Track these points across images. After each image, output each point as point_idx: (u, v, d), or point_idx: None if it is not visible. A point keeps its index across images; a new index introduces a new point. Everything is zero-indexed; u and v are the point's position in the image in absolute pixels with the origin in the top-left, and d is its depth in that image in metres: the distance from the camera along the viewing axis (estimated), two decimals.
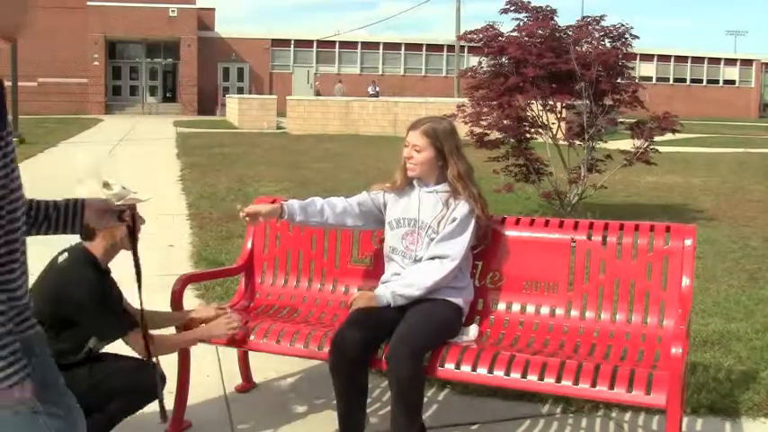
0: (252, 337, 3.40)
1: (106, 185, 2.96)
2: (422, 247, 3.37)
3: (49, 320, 2.86)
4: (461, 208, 3.35)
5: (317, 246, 3.95)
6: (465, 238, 3.33)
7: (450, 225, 3.33)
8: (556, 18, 8.66)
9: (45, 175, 13.64)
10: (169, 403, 3.55)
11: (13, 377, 1.81)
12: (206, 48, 45.23)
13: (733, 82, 57.92)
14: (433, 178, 3.42)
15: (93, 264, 3.10)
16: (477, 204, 3.36)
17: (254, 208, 3.40)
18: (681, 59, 56.38)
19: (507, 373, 2.99)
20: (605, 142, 8.94)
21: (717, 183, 13.50)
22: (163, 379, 3.17)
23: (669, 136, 9.00)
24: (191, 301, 4.79)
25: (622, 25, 8.68)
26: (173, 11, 43.96)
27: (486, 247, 3.58)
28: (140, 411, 3.30)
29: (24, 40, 23.43)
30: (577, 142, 8.73)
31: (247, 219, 3.37)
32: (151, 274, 6.53)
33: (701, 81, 56.89)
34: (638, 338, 3.32)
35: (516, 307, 3.55)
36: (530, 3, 8.72)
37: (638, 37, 8.74)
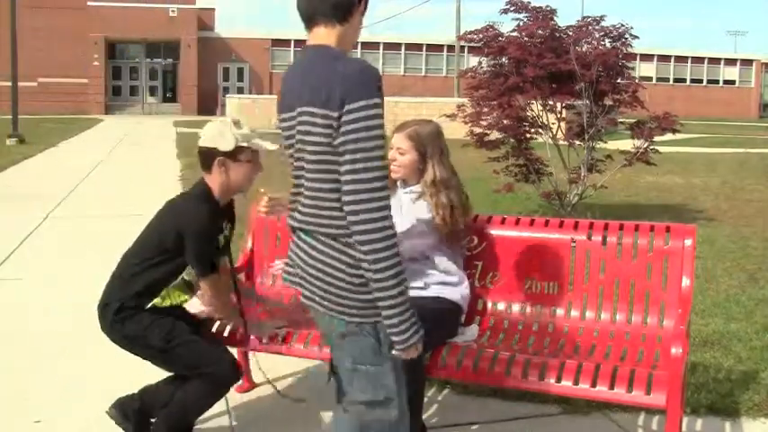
0: (252, 338, 3.41)
1: (236, 124, 3.17)
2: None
3: (153, 252, 3.18)
4: (420, 207, 3.27)
5: None
6: (406, 221, 3.22)
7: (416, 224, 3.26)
8: (556, 18, 8.66)
9: (45, 175, 13.65)
10: None
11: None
12: (206, 48, 45.24)
13: (733, 82, 57.93)
14: (415, 180, 3.38)
15: (204, 197, 3.21)
16: (438, 213, 3.24)
17: (275, 197, 3.28)
18: (681, 59, 56.39)
19: (507, 373, 2.99)
20: (605, 142, 8.94)
21: (717, 183, 13.49)
22: (238, 373, 3.25)
23: (669, 136, 8.99)
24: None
25: (622, 25, 8.67)
26: (173, 11, 43.98)
27: (484, 247, 3.57)
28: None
29: (24, 39, 23.47)
30: (577, 142, 8.73)
31: (264, 210, 3.26)
32: None
33: (701, 81, 56.89)
34: (638, 338, 3.32)
35: (516, 307, 3.55)
36: (530, 3, 8.71)
37: (637, 37, 8.74)
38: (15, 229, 8.21)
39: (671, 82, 55.15)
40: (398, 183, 3.44)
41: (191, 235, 3.12)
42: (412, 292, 3.34)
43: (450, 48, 45.85)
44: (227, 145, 3.14)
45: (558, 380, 2.93)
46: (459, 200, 3.31)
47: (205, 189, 3.23)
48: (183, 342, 3.21)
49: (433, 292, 3.33)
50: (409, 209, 3.30)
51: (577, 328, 3.44)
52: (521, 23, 8.68)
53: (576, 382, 2.91)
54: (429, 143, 3.33)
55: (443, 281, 3.34)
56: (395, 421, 2.29)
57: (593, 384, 2.89)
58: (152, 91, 46.88)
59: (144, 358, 3.32)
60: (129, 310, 3.24)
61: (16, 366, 4.36)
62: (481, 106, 8.79)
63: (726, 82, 57.77)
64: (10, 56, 21.55)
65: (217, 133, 3.17)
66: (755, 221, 9.33)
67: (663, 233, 3.44)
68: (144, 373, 4.22)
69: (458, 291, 3.38)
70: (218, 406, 3.41)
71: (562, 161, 8.88)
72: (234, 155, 3.15)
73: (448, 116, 8.58)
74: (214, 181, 3.21)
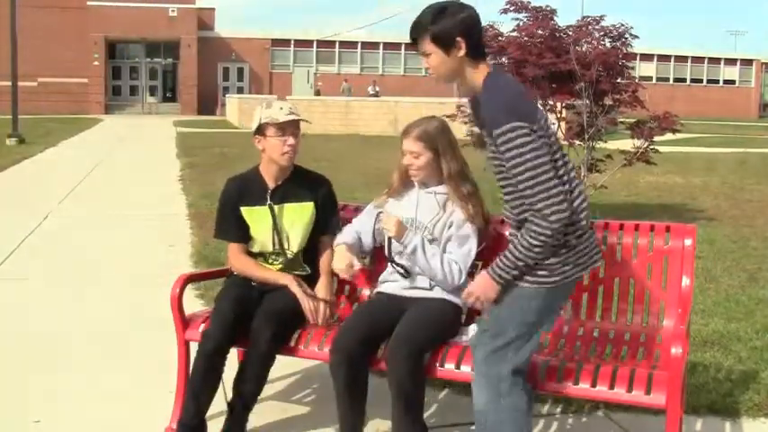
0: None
1: (269, 103, 3.58)
2: None
3: None
4: (457, 216, 3.35)
5: None
6: (471, 248, 3.37)
7: (454, 231, 3.35)
8: (555, 18, 8.66)
9: (45, 175, 13.65)
10: (169, 403, 3.56)
11: None
12: (206, 48, 45.23)
13: (733, 82, 57.93)
14: (434, 179, 3.42)
15: (246, 172, 3.72)
16: (467, 206, 3.34)
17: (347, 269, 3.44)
18: (681, 59, 56.38)
19: None
20: (605, 142, 8.93)
21: (717, 183, 13.49)
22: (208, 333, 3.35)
23: (669, 136, 9.00)
24: (191, 300, 4.79)
25: (622, 25, 8.68)
26: (173, 11, 43.97)
27: (487, 244, 3.57)
28: (147, 410, 3.29)
29: (24, 39, 23.45)
30: (577, 142, 8.73)
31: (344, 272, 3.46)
32: (151, 273, 6.55)
33: (701, 81, 56.88)
34: (638, 338, 3.32)
35: None
36: (530, 3, 8.71)
37: (637, 37, 8.74)
38: (15, 229, 8.21)
39: (671, 82, 55.13)
40: (415, 182, 3.46)
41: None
42: (416, 293, 3.37)
43: None
44: (254, 125, 3.57)
45: (559, 380, 2.93)
46: (475, 189, 3.42)
47: (255, 166, 3.69)
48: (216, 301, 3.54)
49: (437, 293, 3.34)
50: (447, 221, 3.36)
51: (577, 328, 3.43)
52: (520, 23, 8.68)
53: (576, 382, 2.90)
54: (439, 140, 3.38)
55: None
56: None
57: (593, 384, 2.88)
58: (152, 91, 46.87)
59: None
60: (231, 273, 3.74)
61: (16, 366, 4.36)
62: None
63: (726, 82, 57.76)
64: (10, 56, 21.54)
65: (253, 115, 3.60)
66: (755, 221, 9.33)
67: (663, 233, 3.44)
68: (145, 372, 4.23)
69: (461, 293, 3.39)
70: (219, 406, 3.41)
71: None
72: (263, 132, 3.52)
73: (448, 116, 8.57)
74: (260, 157, 3.62)
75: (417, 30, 2.66)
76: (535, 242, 2.55)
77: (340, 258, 3.46)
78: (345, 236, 3.55)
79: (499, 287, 2.66)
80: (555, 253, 2.60)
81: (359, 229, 3.57)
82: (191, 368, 3.33)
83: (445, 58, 2.62)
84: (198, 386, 3.30)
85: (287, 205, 3.59)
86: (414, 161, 3.37)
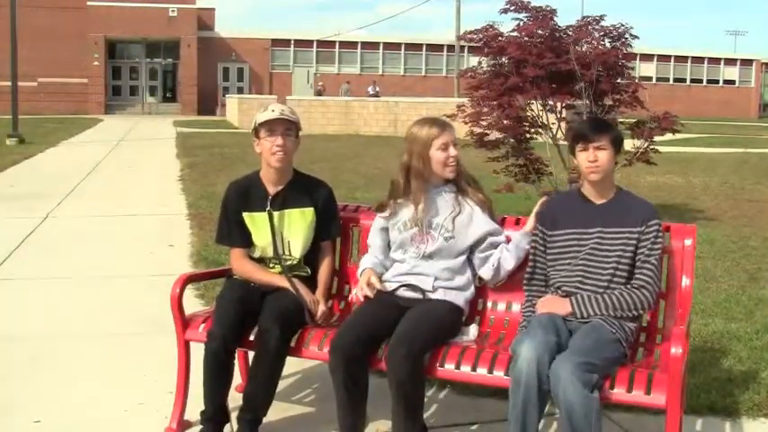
0: (252, 338, 3.40)
1: (266, 107, 3.63)
2: (432, 246, 3.39)
3: None
4: (475, 208, 3.42)
5: None
6: (499, 232, 3.50)
7: (478, 230, 3.41)
8: (556, 18, 8.66)
9: (45, 175, 13.65)
10: (169, 403, 3.56)
11: None
12: (206, 48, 45.23)
13: (733, 82, 57.92)
14: (440, 178, 3.45)
15: (248, 175, 3.72)
16: (478, 194, 3.46)
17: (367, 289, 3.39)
18: (681, 59, 56.38)
19: (507, 374, 2.99)
20: None
21: (717, 183, 13.50)
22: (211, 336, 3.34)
23: (669, 136, 9.00)
24: (191, 300, 4.79)
25: (622, 25, 8.68)
26: (173, 11, 43.96)
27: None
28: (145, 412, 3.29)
29: (24, 39, 23.43)
30: None
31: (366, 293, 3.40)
32: (151, 273, 6.55)
33: (701, 81, 56.87)
34: (638, 338, 3.32)
35: (516, 307, 3.53)
36: (530, 3, 8.71)
37: (637, 37, 8.74)
38: (16, 229, 8.21)
39: (671, 82, 55.12)
40: (416, 183, 3.46)
41: None
42: (417, 293, 3.36)
43: (450, 48, 45.83)
44: (251, 128, 3.64)
45: None
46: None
47: (256, 171, 3.70)
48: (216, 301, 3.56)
49: (439, 294, 3.35)
50: (470, 219, 3.41)
51: None
52: (521, 23, 8.68)
53: None
54: None
55: (454, 286, 3.38)
56: None
57: None
58: (152, 91, 46.86)
59: None
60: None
61: (16, 366, 4.36)
62: (481, 106, 8.79)
63: (726, 82, 57.76)
64: (10, 56, 21.54)
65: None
66: (756, 221, 9.33)
67: (663, 233, 3.44)
68: (145, 372, 4.23)
69: (462, 295, 3.40)
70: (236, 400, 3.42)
71: (562, 161, 8.88)
72: (258, 134, 3.57)
73: (448, 116, 8.54)
74: (262, 166, 3.64)
75: (604, 126, 3.28)
76: (636, 306, 3.10)
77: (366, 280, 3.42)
78: (367, 262, 3.53)
79: (570, 311, 3.13)
80: (634, 320, 3.15)
81: (377, 255, 3.56)
82: (202, 369, 3.33)
83: (613, 158, 3.21)
84: (212, 385, 3.33)
85: (287, 211, 3.58)
86: (455, 152, 3.41)
